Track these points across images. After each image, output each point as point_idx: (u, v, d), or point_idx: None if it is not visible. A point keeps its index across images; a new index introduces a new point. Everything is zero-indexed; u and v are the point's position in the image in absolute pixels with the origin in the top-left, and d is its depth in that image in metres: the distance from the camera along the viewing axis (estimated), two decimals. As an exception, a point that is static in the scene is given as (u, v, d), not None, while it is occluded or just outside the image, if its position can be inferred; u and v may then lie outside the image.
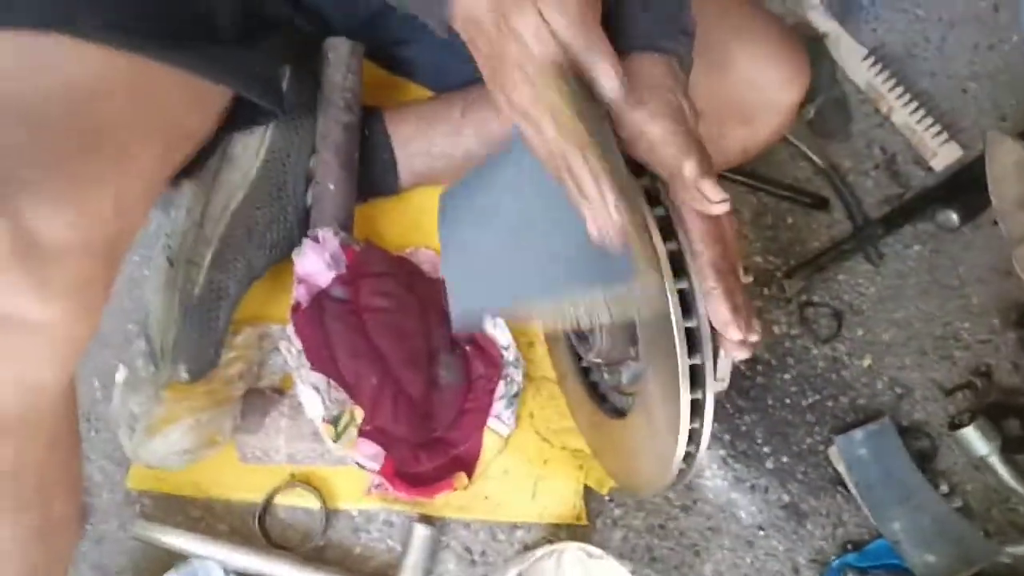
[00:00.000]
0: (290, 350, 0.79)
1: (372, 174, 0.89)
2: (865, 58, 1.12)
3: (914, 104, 1.10)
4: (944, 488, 0.94)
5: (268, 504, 0.87)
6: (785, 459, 0.96)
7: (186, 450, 0.81)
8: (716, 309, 0.58)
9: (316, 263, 0.81)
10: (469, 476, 0.86)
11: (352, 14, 0.86)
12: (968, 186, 1.03)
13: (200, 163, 0.79)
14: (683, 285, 0.58)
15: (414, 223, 0.94)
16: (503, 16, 0.54)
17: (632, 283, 0.54)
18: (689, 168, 0.55)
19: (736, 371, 0.74)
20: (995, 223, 1.06)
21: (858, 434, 0.95)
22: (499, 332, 0.90)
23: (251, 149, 0.83)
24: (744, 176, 1.06)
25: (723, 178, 1.03)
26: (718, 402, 0.62)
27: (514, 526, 0.89)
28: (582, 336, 0.72)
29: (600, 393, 0.81)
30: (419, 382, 0.84)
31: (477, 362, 0.89)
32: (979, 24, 1.17)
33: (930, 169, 1.09)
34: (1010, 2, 1.17)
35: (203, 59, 0.69)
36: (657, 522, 0.91)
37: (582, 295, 0.62)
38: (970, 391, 1.00)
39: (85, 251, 0.56)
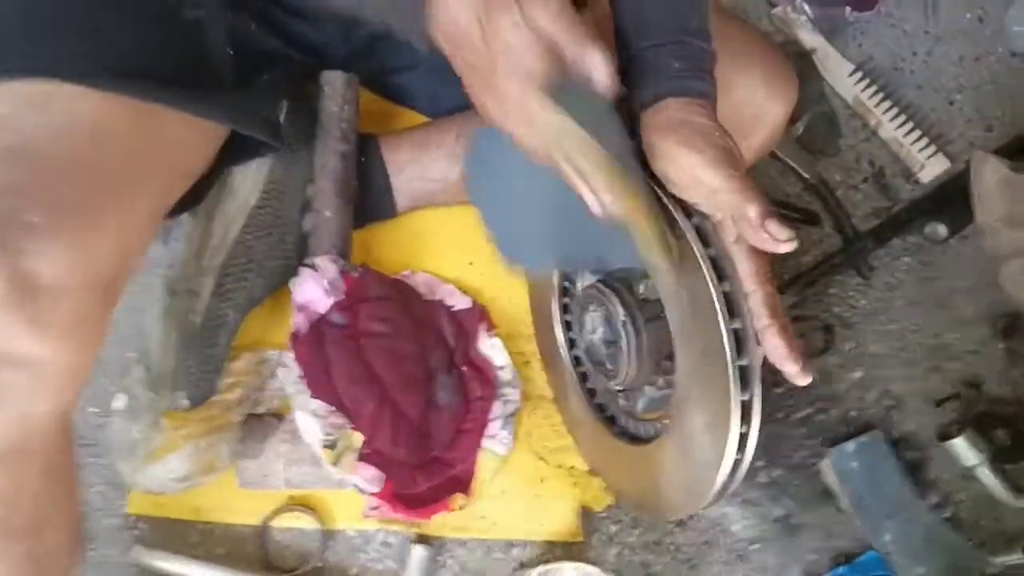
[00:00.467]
0: (289, 377, 0.80)
1: (368, 200, 0.90)
2: (852, 73, 1.13)
3: (901, 118, 1.11)
4: (934, 499, 0.95)
5: (266, 527, 0.88)
6: (777, 473, 0.97)
7: (185, 476, 0.82)
8: (774, 344, 0.60)
9: (314, 290, 0.82)
10: (466, 495, 0.88)
11: (346, 44, 0.87)
12: (956, 198, 1.05)
13: (198, 195, 0.80)
14: (737, 325, 0.60)
15: (410, 247, 0.95)
16: (487, 19, 0.55)
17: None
18: (754, 211, 0.57)
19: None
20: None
21: (849, 446, 0.96)
22: (495, 352, 0.92)
23: (249, 180, 0.83)
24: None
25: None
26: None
27: (510, 544, 0.91)
28: (599, 363, 0.74)
29: (608, 416, 0.82)
30: (417, 404, 0.85)
31: (474, 383, 0.90)
32: (965, 37, 1.18)
33: (918, 182, 1.11)
34: (995, 15, 1.19)
35: (200, 99, 0.69)
36: (652, 538, 0.93)
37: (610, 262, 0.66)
38: (959, 402, 1.02)
39: (84, 290, 0.57)
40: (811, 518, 0.96)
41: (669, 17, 0.66)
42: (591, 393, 0.84)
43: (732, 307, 0.60)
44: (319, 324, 0.82)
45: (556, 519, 0.90)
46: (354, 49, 0.87)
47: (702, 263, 0.59)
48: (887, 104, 1.12)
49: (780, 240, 0.57)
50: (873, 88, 1.12)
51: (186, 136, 0.71)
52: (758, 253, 0.60)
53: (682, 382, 0.68)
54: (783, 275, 1.06)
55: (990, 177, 0.89)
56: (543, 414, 0.92)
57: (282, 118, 0.80)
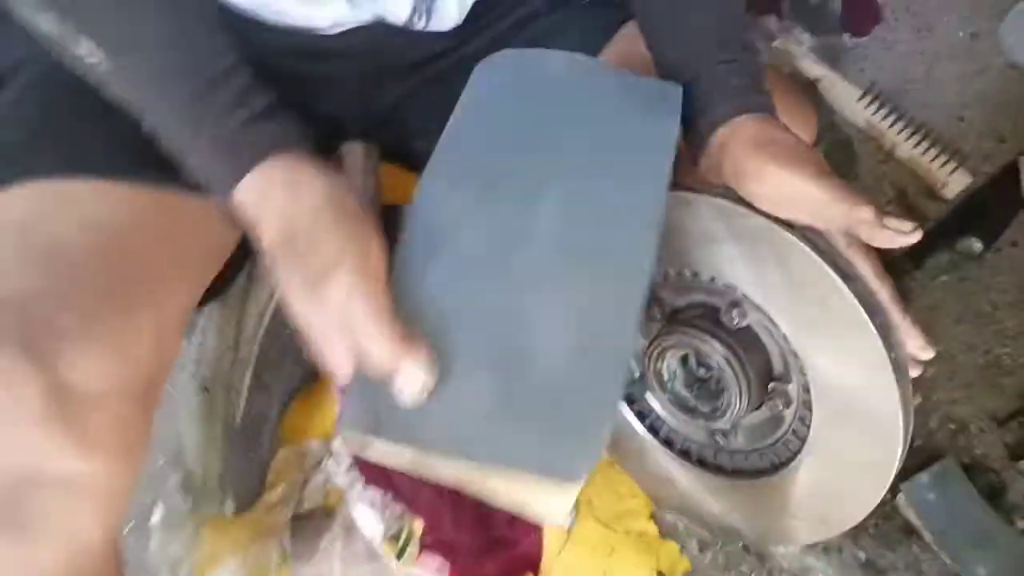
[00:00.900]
0: (339, 468, 0.75)
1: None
2: (860, 98, 1.13)
3: (916, 137, 1.11)
4: (1021, 524, 0.91)
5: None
6: (852, 513, 0.92)
7: (236, 589, 0.76)
8: (913, 335, 0.61)
9: (354, 372, 0.78)
10: (535, 575, 0.82)
11: (365, 114, 0.85)
12: (984, 210, 1.03)
13: (225, 283, 0.76)
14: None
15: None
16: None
17: None
18: (868, 212, 0.56)
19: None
20: (1014, 244, 1.07)
21: (923, 478, 0.91)
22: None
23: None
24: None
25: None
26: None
27: (587, 622, 0.85)
28: (691, 409, 0.73)
29: (697, 459, 0.79)
30: (473, 484, 0.80)
31: (527, 453, 0.85)
32: (961, 55, 1.19)
33: (943, 199, 1.09)
34: (988, 29, 1.20)
35: None
36: (735, 598, 0.87)
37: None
38: (1023, 417, 0.98)
39: (124, 395, 0.54)
40: (897, 558, 0.90)
41: (716, 37, 0.65)
42: (669, 443, 0.80)
43: (871, 308, 0.60)
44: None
45: (632, 589, 0.84)
46: (373, 118, 0.85)
47: (830, 271, 0.59)
48: (900, 125, 1.11)
49: (905, 232, 0.56)
50: (883, 111, 1.12)
51: (208, 219, 0.68)
52: (870, 251, 0.60)
53: (824, 401, 0.66)
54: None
55: None
56: (601, 478, 0.87)
57: None
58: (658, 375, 0.75)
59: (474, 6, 0.77)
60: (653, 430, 0.82)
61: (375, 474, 0.75)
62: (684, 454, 0.80)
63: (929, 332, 0.61)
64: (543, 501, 0.49)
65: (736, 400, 0.69)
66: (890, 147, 1.12)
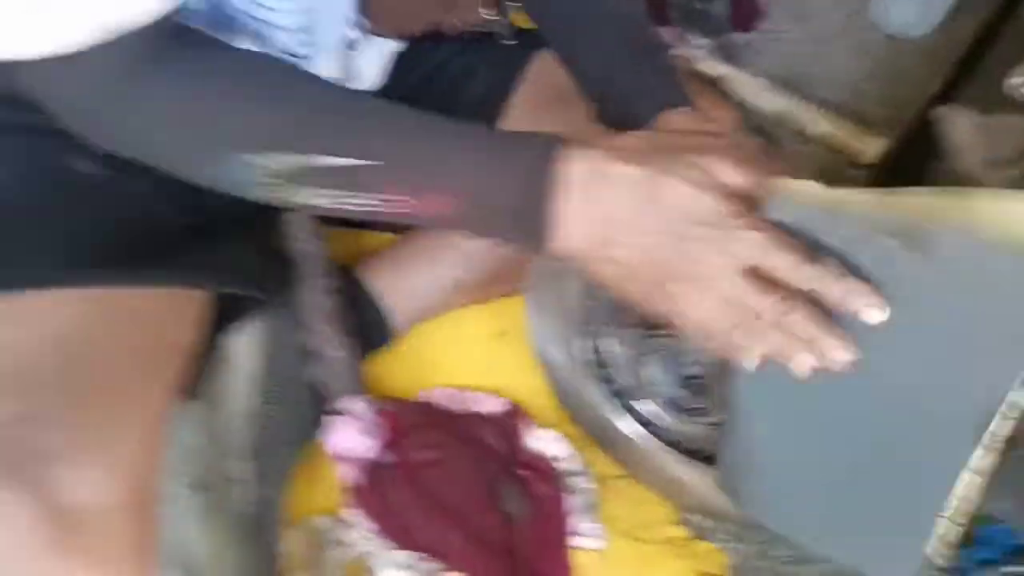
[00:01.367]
0: (357, 535, 0.71)
1: (366, 331, 0.84)
2: (764, 87, 1.18)
3: (823, 115, 1.16)
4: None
5: None
6: None
7: None
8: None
9: (351, 436, 0.75)
10: (576, 606, 0.79)
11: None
12: (908, 167, 1.08)
13: (197, 378, 0.72)
14: None
15: (418, 366, 0.89)
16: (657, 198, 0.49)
17: None
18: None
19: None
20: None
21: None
22: (548, 445, 0.85)
23: (244, 346, 0.76)
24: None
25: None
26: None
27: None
28: (688, 410, 0.73)
29: (704, 456, 0.78)
30: (496, 523, 0.76)
31: (537, 483, 0.83)
32: (843, 34, 1.26)
33: (865, 166, 1.14)
34: (860, 8, 1.28)
35: (173, 270, 0.65)
36: (779, 584, 0.85)
37: None
38: None
39: (122, 505, 0.52)
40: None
41: (628, 45, 0.68)
42: (675, 446, 0.79)
43: None
44: (371, 469, 0.74)
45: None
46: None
47: None
48: (805, 106, 1.17)
49: None
50: (788, 96, 1.17)
51: (164, 309, 0.65)
52: None
53: None
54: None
55: (965, 126, 0.93)
56: (622, 494, 0.85)
57: (256, 271, 0.75)
58: (650, 379, 0.75)
59: (395, 66, 0.79)
60: (657, 435, 0.81)
61: (398, 534, 0.71)
62: (691, 454, 0.79)
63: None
64: None
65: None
66: (803, 128, 1.16)
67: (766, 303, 0.48)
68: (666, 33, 1.21)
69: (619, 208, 0.49)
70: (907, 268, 0.47)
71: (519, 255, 0.81)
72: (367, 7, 0.71)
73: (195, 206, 0.71)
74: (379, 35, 0.76)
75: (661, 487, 0.85)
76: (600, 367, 0.81)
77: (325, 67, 0.70)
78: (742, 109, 1.18)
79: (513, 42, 0.83)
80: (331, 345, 0.79)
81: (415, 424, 0.79)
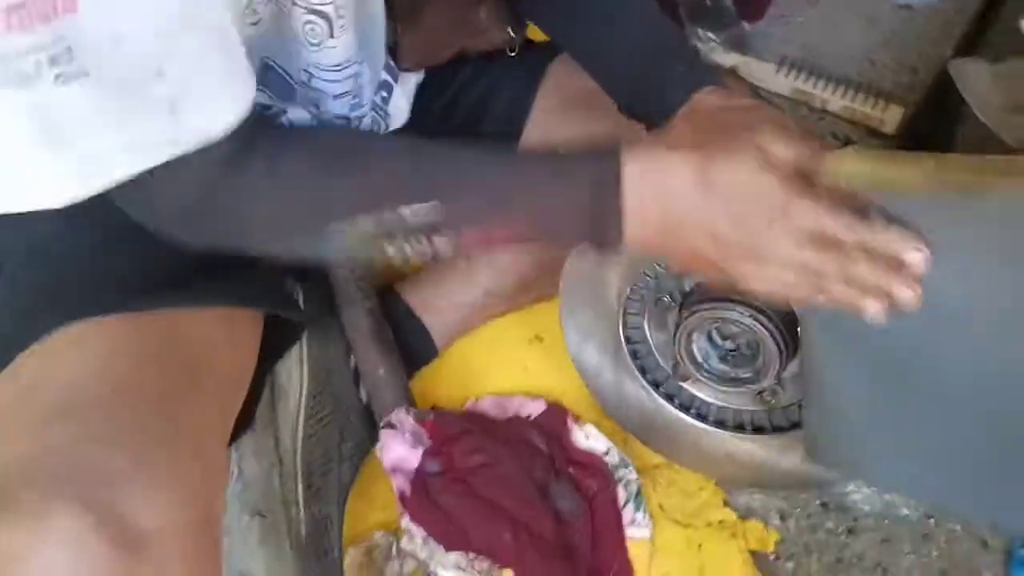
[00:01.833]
0: (414, 544, 0.74)
1: (410, 349, 0.88)
2: (778, 71, 1.19)
3: (840, 89, 1.17)
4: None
5: None
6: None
7: None
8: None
9: (400, 448, 0.78)
10: (634, 596, 0.81)
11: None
12: (930, 131, 1.08)
13: (251, 407, 0.76)
14: None
15: (463, 377, 0.93)
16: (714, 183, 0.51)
17: None
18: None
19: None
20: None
21: None
22: (593, 441, 0.87)
23: (295, 373, 0.81)
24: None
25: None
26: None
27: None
28: (731, 379, 0.74)
29: (753, 428, 0.80)
30: (548, 522, 0.79)
31: (587, 479, 0.85)
32: (852, 9, 1.26)
33: (886, 135, 1.14)
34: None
35: (224, 291, 0.67)
36: (831, 558, 0.86)
37: None
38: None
39: (189, 529, 0.53)
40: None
41: (652, 38, 0.70)
42: (721, 424, 0.81)
43: None
44: (419, 478, 0.77)
45: (733, 577, 0.83)
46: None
47: None
48: (822, 83, 1.17)
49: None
50: (803, 75, 1.18)
51: (217, 336, 0.68)
52: None
53: None
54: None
55: (979, 77, 0.92)
56: (665, 481, 0.87)
57: (300, 297, 0.79)
58: (692, 359, 0.76)
59: (416, 96, 0.81)
60: (701, 416, 0.82)
61: (451, 537, 0.75)
62: (739, 427, 0.81)
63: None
64: None
65: (774, 353, 0.70)
66: (821, 104, 1.17)
67: (830, 263, 0.51)
68: (675, 30, 1.23)
69: (682, 195, 0.52)
70: (964, 229, 0.49)
71: (547, 262, 0.84)
72: (396, 49, 0.74)
73: None
74: (407, 71, 0.78)
75: (713, 467, 0.86)
76: (635, 358, 0.83)
77: (368, 119, 0.73)
78: (759, 95, 1.19)
79: (528, 54, 0.86)
80: (376, 363, 0.83)
81: (461, 432, 0.82)
